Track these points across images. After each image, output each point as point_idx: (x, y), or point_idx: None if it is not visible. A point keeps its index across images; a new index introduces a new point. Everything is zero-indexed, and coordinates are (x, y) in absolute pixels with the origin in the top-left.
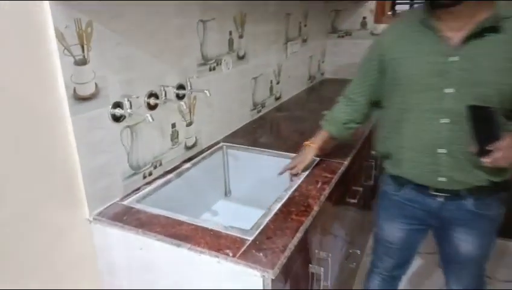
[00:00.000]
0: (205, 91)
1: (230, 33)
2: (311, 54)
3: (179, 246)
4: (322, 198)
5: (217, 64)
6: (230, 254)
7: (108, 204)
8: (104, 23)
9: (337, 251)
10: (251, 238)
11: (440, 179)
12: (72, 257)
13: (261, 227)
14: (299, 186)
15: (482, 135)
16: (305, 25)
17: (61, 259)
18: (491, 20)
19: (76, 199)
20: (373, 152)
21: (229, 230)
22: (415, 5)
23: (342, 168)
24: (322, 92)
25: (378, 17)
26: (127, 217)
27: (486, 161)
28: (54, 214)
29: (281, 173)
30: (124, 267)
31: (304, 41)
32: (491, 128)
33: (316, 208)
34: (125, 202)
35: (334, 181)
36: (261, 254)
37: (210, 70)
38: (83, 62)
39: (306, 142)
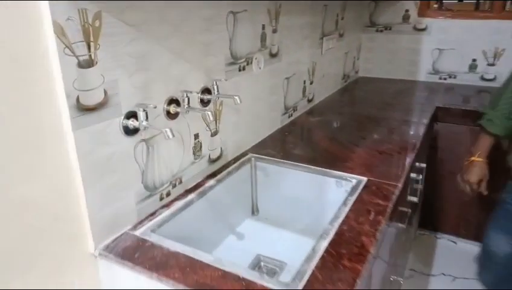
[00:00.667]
0: (235, 97)
1: (263, 27)
2: (346, 50)
3: None
4: (379, 235)
5: (247, 64)
6: None
7: (118, 234)
8: (115, 14)
9: (381, 284)
10: None
11: None
12: None
13: (306, 277)
14: (347, 217)
15: None
16: (343, 18)
17: None
18: None
19: (79, 230)
20: (418, 164)
21: (265, 279)
22: None
23: (397, 192)
24: (356, 92)
25: (423, 11)
26: (139, 255)
27: None
28: (52, 248)
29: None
30: None
31: (341, 36)
32: None
33: (372, 251)
34: (138, 232)
35: (389, 210)
36: None
37: (239, 70)
38: (88, 64)
39: (474, 158)
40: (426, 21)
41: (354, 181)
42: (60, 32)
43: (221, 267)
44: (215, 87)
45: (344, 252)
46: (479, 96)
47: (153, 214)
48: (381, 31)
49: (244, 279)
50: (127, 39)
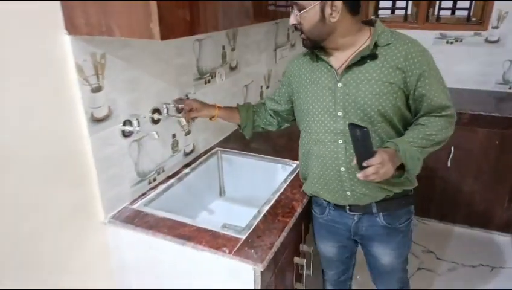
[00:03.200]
0: None
1: (224, 47)
2: None
3: (183, 245)
4: (305, 201)
5: (212, 77)
6: (227, 251)
7: (120, 208)
8: (114, 53)
9: None
10: (244, 237)
11: (347, 193)
12: (89, 256)
13: (252, 227)
14: (285, 189)
15: (359, 151)
16: (293, 31)
17: (80, 258)
18: (367, 49)
19: (94, 206)
20: None
21: (225, 230)
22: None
23: None
24: None
25: None
26: (137, 220)
27: (358, 175)
28: (75, 219)
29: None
30: (134, 265)
31: (292, 46)
32: (366, 146)
33: (299, 210)
34: (134, 206)
35: None
36: (252, 251)
37: (205, 83)
38: (98, 89)
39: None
40: None
41: (294, 165)
42: (79, 69)
43: (196, 225)
44: (187, 97)
45: (279, 212)
46: None
47: (144, 194)
48: None
49: (211, 230)
50: (122, 69)
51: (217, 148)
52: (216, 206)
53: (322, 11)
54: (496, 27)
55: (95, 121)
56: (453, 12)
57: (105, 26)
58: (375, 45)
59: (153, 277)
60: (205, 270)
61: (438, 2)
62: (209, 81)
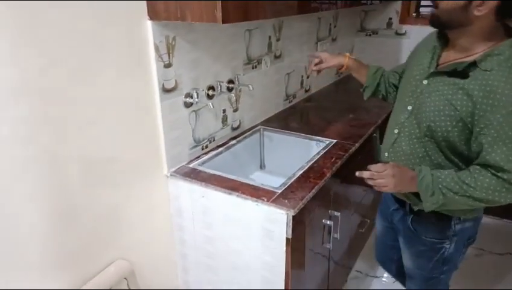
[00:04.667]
0: (249, 86)
1: (270, 37)
2: (339, 51)
3: (230, 194)
4: (334, 169)
5: (258, 63)
6: (265, 200)
7: (179, 166)
8: (182, 37)
9: (349, 215)
10: (280, 191)
11: None
12: (154, 201)
13: (287, 185)
14: (318, 160)
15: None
16: (335, 26)
17: (147, 202)
18: (462, 65)
19: (160, 161)
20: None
21: (265, 186)
22: None
23: (353, 148)
24: (347, 85)
25: (403, 18)
26: (193, 175)
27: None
28: (146, 171)
29: (311, 70)
30: (189, 210)
31: (334, 40)
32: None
33: (328, 175)
34: (190, 165)
35: (345, 157)
36: (286, 201)
37: (253, 68)
38: (168, 65)
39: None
40: (406, 27)
41: (328, 142)
42: (156, 48)
43: (241, 180)
44: (237, 79)
45: (311, 175)
46: None
47: (198, 157)
48: (370, 35)
49: (253, 185)
50: (187, 51)
51: (260, 126)
52: (256, 177)
53: None
54: None
55: (165, 91)
56: None
57: (180, 13)
58: (475, 64)
59: (203, 220)
60: (246, 215)
61: None
62: (255, 67)
